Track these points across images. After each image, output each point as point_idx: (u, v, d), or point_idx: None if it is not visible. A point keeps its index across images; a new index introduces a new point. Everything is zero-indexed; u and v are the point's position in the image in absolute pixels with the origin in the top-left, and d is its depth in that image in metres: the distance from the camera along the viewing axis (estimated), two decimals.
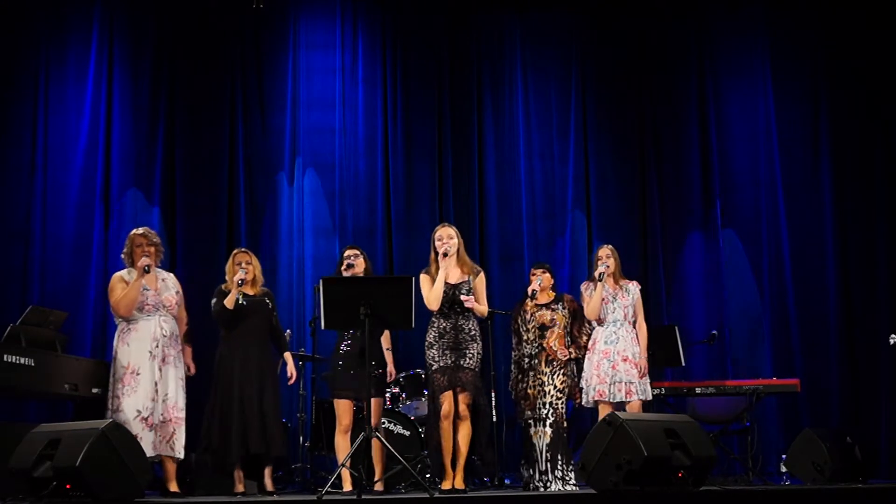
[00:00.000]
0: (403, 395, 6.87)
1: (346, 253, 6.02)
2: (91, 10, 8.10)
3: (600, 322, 6.18)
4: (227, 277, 6.00)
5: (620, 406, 5.96)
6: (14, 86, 7.90)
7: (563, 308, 6.14)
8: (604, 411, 5.78)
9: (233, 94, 8.26)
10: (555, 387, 5.99)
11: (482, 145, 8.57)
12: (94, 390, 5.92)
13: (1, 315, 6.63)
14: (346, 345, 5.80)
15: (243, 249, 6.13)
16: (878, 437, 7.82)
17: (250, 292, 5.93)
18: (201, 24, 8.28)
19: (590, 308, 6.17)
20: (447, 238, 5.68)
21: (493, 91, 8.67)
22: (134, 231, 5.85)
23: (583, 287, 6.33)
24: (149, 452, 5.38)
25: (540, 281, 6.12)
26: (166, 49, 8.17)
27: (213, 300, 5.90)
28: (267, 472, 5.83)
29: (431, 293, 5.58)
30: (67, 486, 4.46)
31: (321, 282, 5.31)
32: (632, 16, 8.78)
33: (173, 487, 5.59)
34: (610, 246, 6.32)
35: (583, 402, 6.18)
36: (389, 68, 8.53)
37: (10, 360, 5.39)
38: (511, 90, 8.67)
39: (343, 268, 5.90)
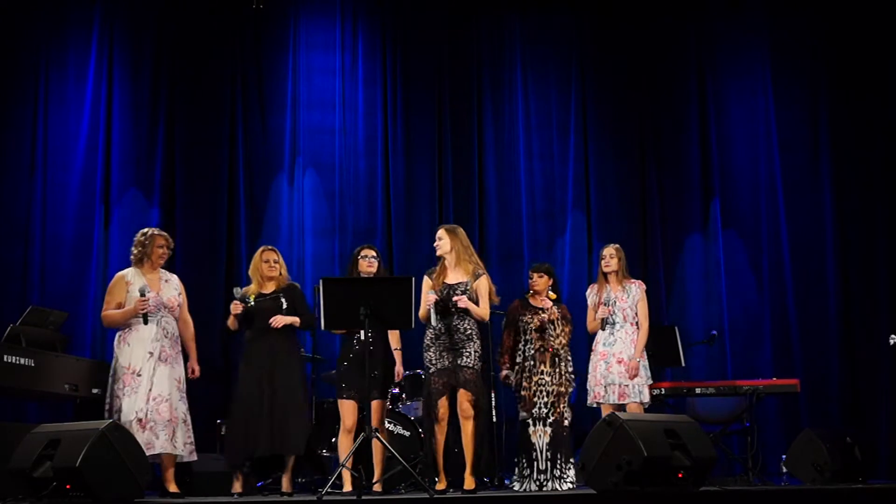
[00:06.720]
0: (404, 396, 6.86)
1: (364, 253, 5.92)
2: (91, 9, 8.10)
3: (602, 327, 6.17)
4: (250, 274, 5.95)
5: (620, 408, 5.95)
6: (14, 86, 7.89)
7: (558, 309, 6.12)
8: (606, 413, 5.78)
9: (233, 94, 8.25)
10: (556, 386, 5.98)
11: (482, 145, 8.56)
12: (94, 390, 5.92)
13: (1, 315, 6.63)
14: (351, 346, 5.76)
15: (270, 247, 6.01)
16: (878, 437, 7.81)
17: (269, 290, 5.87)
18: (201, 25, 8.27)
19: (589, 327, 6.28)
20: (437, 240, 5.70)
21: (492, 91, 8.67)
22: (155, 231, 5.78)
23: (587, 293, 6.35)
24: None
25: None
26: (166, 49, 8.17)
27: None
28: (286, 472, 5.74)
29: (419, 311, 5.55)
30: (67, 487, 4.46)
31: (321, 282, 5.31)
32: (632, 16, 8.78)
33: (173, 488, 5.57)
34: (615, 245, 6.29)
35: (587, 404, 6.20)
36: (389, 68, 8.53)
37: (10, 361, 5.39)
38: (511, 90, 8.67)
39: (367, 267, 5.82)
